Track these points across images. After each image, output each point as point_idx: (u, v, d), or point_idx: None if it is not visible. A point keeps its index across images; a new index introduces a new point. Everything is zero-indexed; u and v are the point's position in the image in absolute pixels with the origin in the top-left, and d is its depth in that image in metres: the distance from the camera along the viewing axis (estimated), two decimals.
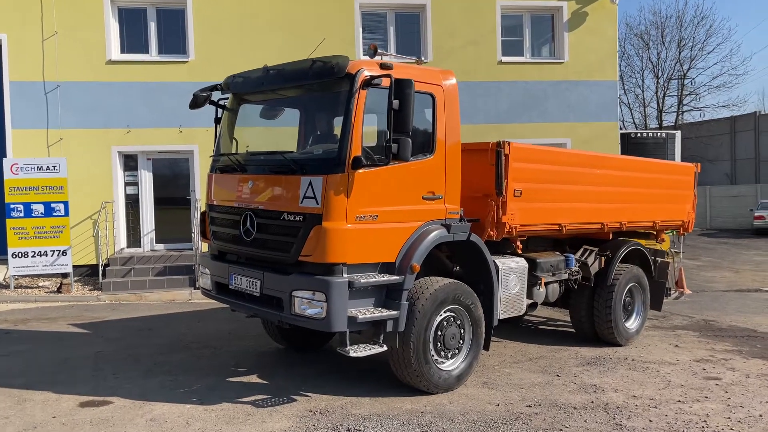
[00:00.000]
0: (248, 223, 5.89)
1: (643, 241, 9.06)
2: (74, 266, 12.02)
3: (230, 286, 6.12)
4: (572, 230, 7.45)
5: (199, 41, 12.80)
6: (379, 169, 5.47)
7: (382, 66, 5.53)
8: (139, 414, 5.22)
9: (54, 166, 11.26)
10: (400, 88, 5.19)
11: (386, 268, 5.65)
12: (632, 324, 8.48)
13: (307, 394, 5.86)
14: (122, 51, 12.89)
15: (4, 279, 11.51)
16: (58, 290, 11.14)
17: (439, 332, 5.95)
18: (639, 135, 18.62)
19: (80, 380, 6.14)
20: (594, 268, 7.95)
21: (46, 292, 11.19)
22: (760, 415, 5.67)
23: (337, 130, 5.56)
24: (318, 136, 6.18)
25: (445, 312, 5.98)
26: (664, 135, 18.88)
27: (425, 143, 5.96)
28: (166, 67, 12.79)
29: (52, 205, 11.27)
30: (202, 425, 5.02)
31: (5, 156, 12.21)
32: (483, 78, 13.74)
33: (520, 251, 6.93)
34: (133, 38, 12.97)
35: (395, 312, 5.55)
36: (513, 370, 6.91)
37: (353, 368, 6.60)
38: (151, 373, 6.42)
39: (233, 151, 6.47)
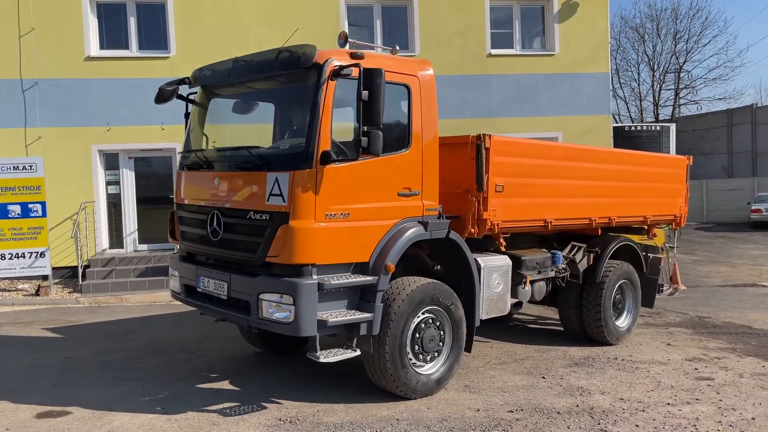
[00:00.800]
0: (215, 223, 5.61)
1: (635, 237, 8.82)
2: (55, 268, 11.75)
3: (198, 289, 5.84)
4: (558, 226, 7.19)
5: (181, 36, 12.51)
6: (351, 165, 5.19)
7: (353, 55, 5.24)
8: (97, 426, 4.95)
9: (30, 166, 10.97)
10: (370, 78, 4.91)
11: (360, 268, 5.37)
12: (623, 322, 8.23)
13: (279, 400, 5.59)
14: (101, 47, 12.59)
15: None
16: (36, 293, 10.87)
17: (417, 335, 5.67)
18: (633, 128, 18.36)
19: (42, 389, 5.86)
20: (582, 265, 7.68)
21: (24, 295, 10.92)
22: (753, 418, 5.42)
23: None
24: (288, 131, 5.90)
25: (423, 314, 5.70)
26: (658, 128, 18.62)
27: (400, 137, 5.68)
28: (147, 63, 12.49)
29: (29, 205, 10.98)
30: None
31: None
32: (472, 71, 13.46)
33: (503, 248, 6.66)
34: (112, 34, 12.66)
35: (369, 314, 5.28)
36: (497, 373, 6.65)
37: (331, 372, 6.33)
38: (118, 381, 6.15)
39: (203, 148, 6.19)
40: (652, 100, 38.01)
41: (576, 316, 7.96)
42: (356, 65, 5.02)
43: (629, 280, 8.23)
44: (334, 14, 12.98)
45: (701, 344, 8.10)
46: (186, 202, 6.11)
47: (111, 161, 12.67)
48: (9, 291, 11.20)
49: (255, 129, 6.45)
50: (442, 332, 5.89)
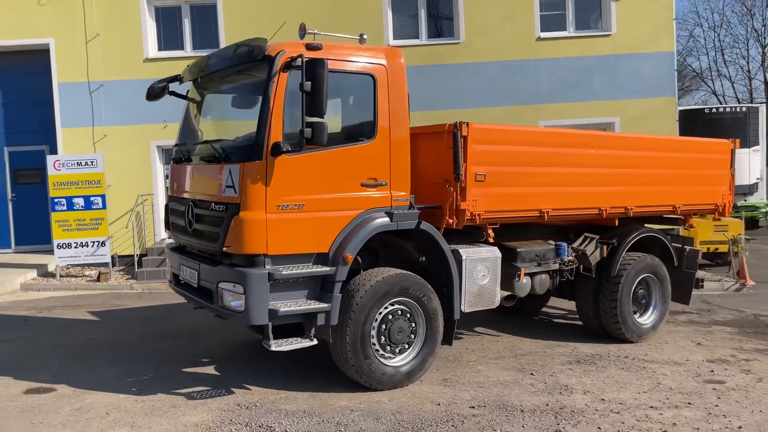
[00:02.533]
0: (190, 214, 5.85)
1: (666, 227, 8.27)
2: (119, 256, 12.67)
3: (179, 278, 6.12)
4: (557, 217, 6.85)
5: (230, 36, 12.99)
6: (306, 155, 5.24)
7: (309, 47, 5.27)
8: (70, 402, 5.33)
9: (92, 162, 11.85)
10: (312, 69, 4.92)
11: (321, 259, 5.41)
12: (647, 319, 7.73)
13: (250, 387, 5.76)
14: (159, 49, 13.33)
15: (54, 268, 12.28)
16: (98, 279, 11.74)
17: (384, 326, 5.64)
18: (714, 110, 17.05)
19: (48, 368, 6.37)
20: (595, 258, 7.29)
21: (87, 281, 11.83)
22: (740, 427, 4.97)
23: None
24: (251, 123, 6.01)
25: (391, 305, 5.66)
26: (744, 109, 17.19)
27: (364, 126, 5.65)
28: None
29: (91, 198, 11.86)
30: (119, 416, 5.04)
31: (56, 153, 13.02)
32: (520, 56, 13.01)
33: (491, 240, 6.45)
34: (168, 36, 13.38)
35: (326, 305, 5.31)
36: (487, 367, 6.47)
37: (319, 363, 6.33)
38: (117, 362, 6.55)
39: (194, 141, 6.44)
40: (763, 79, 35.02)
41: (593, 311, 7.59)
42: (300, 56, 5.03)
43: (655, 274, 7.71)
44: (378, 4, 12.98)
45: (737, 345, 7.46)
46: (172, 194, 6.41)
47: (169, 156, 13.39)
48: (76, 276, 12.18)
49: (245, 123, 6.63)
50: (413, 324, 5.82)
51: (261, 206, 5.09)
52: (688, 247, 8.20)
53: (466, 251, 6.21)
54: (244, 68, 5.47)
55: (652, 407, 5.36)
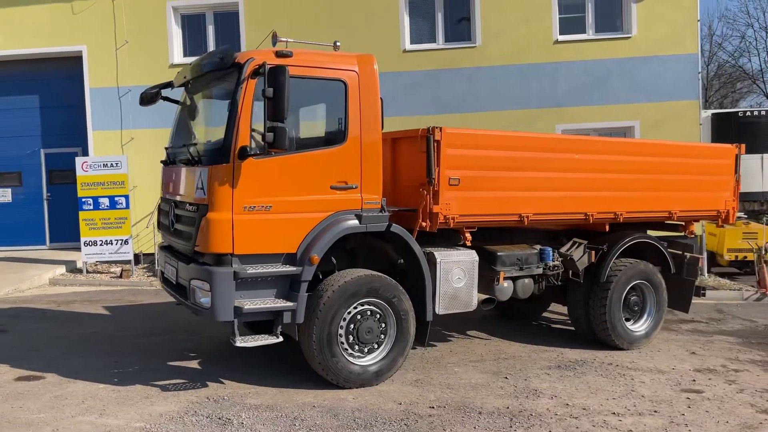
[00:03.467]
0: (172, 214, 6.14)
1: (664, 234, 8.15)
2: (143, 254, 13.19)
3: (164, 275, 6.41)
4: (538, 221, 6.85)
5: (251, 41, 13.36)
6: (273, 159, 5.44)
7: (278, 54, 5.47)
8: (52, 390, 5.67)
9: (116, 164, 12.38)
10: (273, 76, 5.12)
11: (290, 259, 5.60)
12: (640, 326, 7.63)
13: (225, 381, 5.99)
14: (184, 55, 13.81)
15: (81, 265, 12.88)
16: (120, 276, 12.26)
17: (353, 326, 5.78)
18: (749, 114, 16.49)
19: (44, 357, 6.75)
20: (582, 263, 7.25)
21: (111, 277, 12.36)
22: None
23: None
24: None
25: (361, 305, 5.80)
26: None
27: (335, 131, 5.82)
28: None
29: (116, 198, 12.39)
30: (93, 403, 5.34)
31: (88, 155, 13.66)
32: (537, 59, 12.91)
33: (469, 243, 6.50)
34: (193, 42, 13.85)
35: (292, 303, 5.50)
36: (464, 369, 6.53)
37: (301, 359, 6.47)
38: (110, 354, 6.89)
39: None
40: None
41: (584, 317, 7.55)
42: (263, 63, 5.23)
43: (649, 281, 7.60)
44: (394, 9, 13.12)
45: (733, 355, 7.29)
46: (162, 195, 6.72)
47: None
48: (101, 273, 12.75)
49: (222, 128, 6.86)
50: (383, 325, 5.94)
51: (228, 207, 5.31)
52: (688, 254, 8.04)
53: (441, 254, 6.29)
54: (219, 75, 5.70)
55: (614, 414, 5.33)
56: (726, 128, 16.27)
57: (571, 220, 7.17)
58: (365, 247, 6.38)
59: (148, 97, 6.69)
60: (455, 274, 6.34)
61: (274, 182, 5.47)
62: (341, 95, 5.77)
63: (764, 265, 11.56)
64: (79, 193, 12.45)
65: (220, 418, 5.04)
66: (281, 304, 5.48)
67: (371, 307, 5.86)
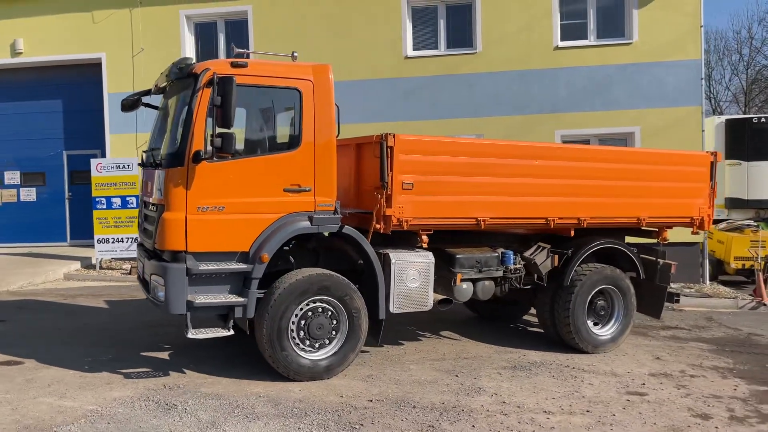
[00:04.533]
0: (142, 214, 6.56)
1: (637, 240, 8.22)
2: None
3: (137, 271, 6.85)
4: (496, 225, 7.03)
5: (259, 48, 13.84)
6: (227, 162, 5.80)
7: (234, 65, 5.83)
8: (25, 374, 6.14)
9: (128, 165, 13.00)
10: (221, 85, 5.48)
11: (244, 257, 5.95)
12: (607, 330, 7.74)
13: (187, 371, 6.37)
14: (196, 61, 14.34)
15: (95, 261, 13.55)
16: (129, 272, 12.86)
17: (303, 322, 6.09)
18: (764, 120, 16.18)
19: (30, 345, 7.23)
20: (545, 267, 7.41)
21: (122, 274, 12.97)
22: None
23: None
24: None
25: (313, 302, 6.10)
26: None
27: (289, 136, 6.15)
28: None
29: (127, 198, 13.01)
30: (57, 387, 5.79)
31: (105, 157, 14.34)
32: (538, 65, 13.01)
33: (425, 245, 6.74)
34: (205, 49, 14.40)
35: (243, 299, 5.85)
36: (420, 367, 6.77)
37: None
38: (92, 344, 7.34)
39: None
40: None
41: (550, 320, 7.71)
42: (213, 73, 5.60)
43: (616, 286, 7.70)
44: (397, 17, 13.41)
45: (697, 361, 7.35)
46: (140, 195, 7.17)
47: None
48: (113, 269, 13.38)
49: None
50: (335, 321, 6.23)
51: (181, 208, 5.70)
52: (661, 261, 8.09)
53: (396, 255, 6.56)
54: (183, 84, 6.10)
55: (545, 412, 5.51)
56: (740, 134, 16.04)
57: (533, 225, 7.33)
58: (327, 248, 6.70)
59: (129, 104, 7.12)
60: (410, 275, 6.59)
61: (227, 184, 5.82)
62: (296, 103, 6.10)
63: (760, 273, 11.42)
64: (94, 193, 13.12)
65: (167, 404, 5.41)
66: (231, 299, 5.83)
67: (323, 304, 6.16)
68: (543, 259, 7.44)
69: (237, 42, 14.25)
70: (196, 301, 5.69)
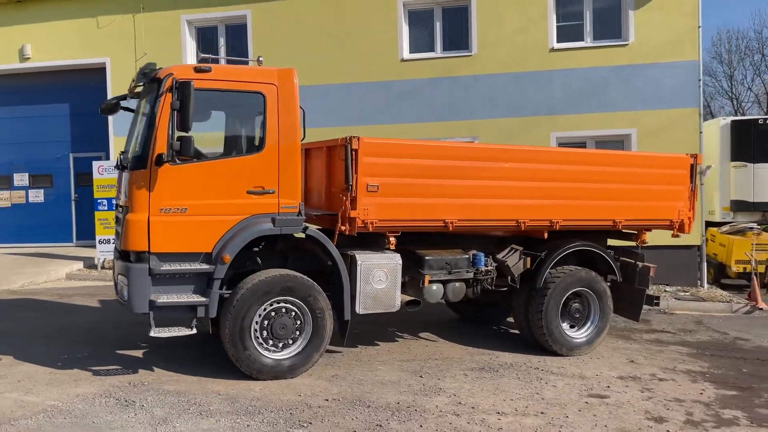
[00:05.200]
0: (116, 216, 6.73)
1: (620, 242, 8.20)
2: None
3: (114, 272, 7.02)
4: (464, 227, 7.06)
5: (259, 51, 14.02)
6: (190, 165, 5.95)
7: (197, 70, 5.97)
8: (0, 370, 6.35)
9: None
10: (180, 90, 5.62)
11: (208, 258, 6.08)
12: (581, 333, 7.73)
13: (156, 369, 6.52)
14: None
15: (97, 261, 13.84)
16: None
17: (267, 322, 6.19)
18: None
19: (12, 343, 7.43)
20: (518, 269, 7.44)
21: None
22: None
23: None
24: None
25: (274, 303, 6.21)
26: None
27: (252, 140, 6.27)
28: None
29: None
30: (26, 383, 5.98)
31: (109, 159, 14.65)
32: (533, 68, 12.97)
33: (392, 247, 6.81)
34: (206, 53, 14.53)
35: (204, 299, 5.97)
36: (387, 368, 6.83)
37: None
38: (73, 342, 7.53)
39: None
40: None
41: (525, 322, 7.73)
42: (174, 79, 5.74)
43: (591, 289, 7.68)
44: (393, 20, 13.48)
45: (671, 365, 7.31)
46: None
47: None
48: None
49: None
50: (298, 322, 6.32)
51: (144, 209, 5.85)
52: (640, 264, 8.05)
53: (362, 256, 6.63)
54: (151, 88, 6.25)
55: (498, 413, 5.54)
56: (746, 136, 15.75)
57: (504, 227, 7.35)
58: (296, 249, 6.80)
59: (108, 107, 7.28)
60: (376, 276, 6.66)
61: (190, 186, 5.96)
62: (260, 106, 6.22)
63: (756, 277, 11.25)
64: (95, 195, 13.41)
65: (126, 401, 5.55)
66: (193, 299, 5.97)
67: (287, 305, 6.27)
68: (515, 261, 7.46)
69: (236, 46, 14.49)
70: (158, 301, 5.84)
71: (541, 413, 5.57)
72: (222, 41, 14.57)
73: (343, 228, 6.51)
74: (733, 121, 16.22)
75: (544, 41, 12.98)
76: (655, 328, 9.31)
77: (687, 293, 11.90)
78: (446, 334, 8.39)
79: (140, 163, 5.89)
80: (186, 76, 5.86)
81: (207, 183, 6.03)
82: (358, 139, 6.41)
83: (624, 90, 12.72)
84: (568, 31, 13.09)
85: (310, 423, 5.18)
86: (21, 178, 15.91)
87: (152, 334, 5.88)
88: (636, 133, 12.66)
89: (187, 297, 5.99)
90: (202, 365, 6.66)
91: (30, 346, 7.30)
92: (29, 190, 15.92)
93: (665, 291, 11.98)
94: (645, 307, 8.21)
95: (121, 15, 14.68)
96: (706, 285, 12.58)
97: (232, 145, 6.44)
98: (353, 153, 6.39)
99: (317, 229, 6.75)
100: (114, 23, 14.71)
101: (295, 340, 6.34)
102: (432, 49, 13.65)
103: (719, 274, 13.60)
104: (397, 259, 6.78)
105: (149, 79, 6.02)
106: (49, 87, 15.62)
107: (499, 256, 7.50)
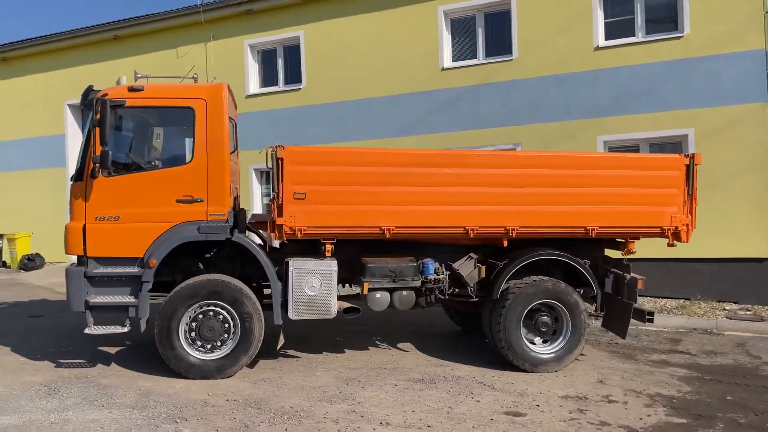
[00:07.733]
0: None
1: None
2: None
3: None
4: (402, 235, 6.90)
5: (310, 71, 14.66)
6: (123, 177, 6.49)
7: (131, 89, 6.51)
8: None
9: None
10: (98, 108, 6.16)
11: (141, 262, 6.55)
12: (550, 348, 7.23)
13: (112, 365, 7.11)
14: (260, 86, 15.56)
15: None
16: None
17: (195, 324, 6.53)
18: None
19: (15, 336, 8.38)
20: (472, 278, 7.16)
21: None
22: None
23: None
24: None
25: (204, 306, 6.54)
26: None
27: (181, 151, 6.66)
28: (287, 96, 14.99)
29: None
30: None
31: None
32: (577, 68, 12.24)
33: (329, 254, 6.84)
34: (267, 74, 15.56)
35: (134, 300, 6.44)
36: (325, 374, 6.89)
37: None
38: (63, 337, 8.31)
39: None
40: None
41: (489, 334, 7.38)
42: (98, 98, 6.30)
43: (559, 301, 7.15)
44: (434, 30, 13.43)
45: (640, 388, 6.60)
46: None
47: (266, 177, 15.52)
48: None
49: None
50: (226, 325, 6.59)
51: (81, 217, 6.46)
52: (628, 276, 7.37)
53: (296, 262, 6.76)
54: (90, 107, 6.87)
55: (382, 423, 5.39)
56: None
57: (450, 235, 7.07)
58: (245, 255, 7.08)
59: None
60: (309, 282, 6.74)
61: (122, 197, 6.49)
62: (189, 120, 6.61)
63: None
64: None
65: (53, 390, 6.15)
66: (123, 299, 6.47)
67: (215, 308, 6.56)
68: (469, 269, 7.17)
69: (292, 65, 15.24)
70: (92, 301, 6.40)
71: (427, 426, 5.32)
72: (281, 63, 15.37)
73: (272, 235, 6.69)
74: None
75: (588, 40, 12.22)
76: (677, 349, 8.37)
77: (749, 312, 10.51)
78: (424, 345, 8.20)
79: (78, 176, 6.53)
80: (120, 96, 6.42)
81: (139, 193, 6.52)
82: (283, 148, 6.57)
83: (679, 87, 11.59)
84: (615, 28, 12.21)
85: (186, 420, 5.40)
86: None
87: (87, 331, 6.45)
88: (693, 133, 11.46)
89: (119, 298, 6.50)
90: (156, 363, 7.11)
91: (25, 341, 8.20)
92: None
93: (724, 309, 10.68)
94: (659, 325, 7.43)
95: (195, 44, 16.04)
96: None
97: (165, 157, 6.90)
98: (278, 161, 6.56)
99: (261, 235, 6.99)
100: (189, 52, 16.10)
101: (224, 342, 6.60)
102: (474, 56, 13.38)
103: None
104: (332, 266, 6.81)
105: (87, 100, 6.64)
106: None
107: (454, 264, 7.24)
